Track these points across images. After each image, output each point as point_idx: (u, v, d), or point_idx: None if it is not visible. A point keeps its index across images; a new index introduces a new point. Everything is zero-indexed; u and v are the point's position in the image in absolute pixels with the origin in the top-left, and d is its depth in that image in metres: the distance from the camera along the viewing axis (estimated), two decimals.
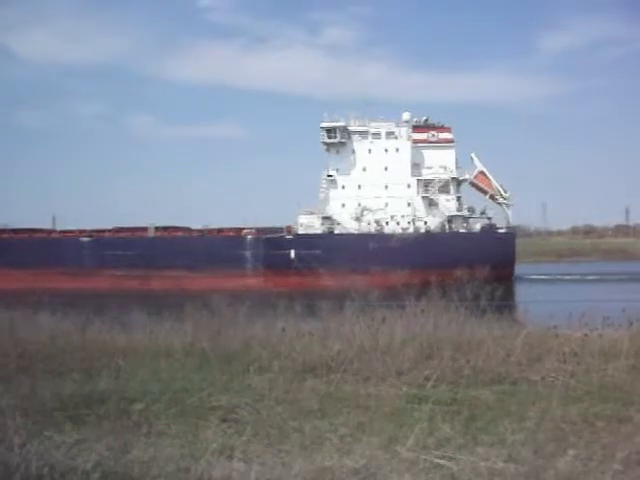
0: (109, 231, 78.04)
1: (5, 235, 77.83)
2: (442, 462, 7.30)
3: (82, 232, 77.49)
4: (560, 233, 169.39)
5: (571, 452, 7.40)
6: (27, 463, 6.94)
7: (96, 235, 77.05)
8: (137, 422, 9.07)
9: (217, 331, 15.02)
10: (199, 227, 79.72)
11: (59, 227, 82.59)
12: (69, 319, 17.56)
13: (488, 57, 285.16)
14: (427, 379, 11.15)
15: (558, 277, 73.22)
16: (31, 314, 18.76)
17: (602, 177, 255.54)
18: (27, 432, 7.84)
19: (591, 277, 71.74)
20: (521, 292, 49.29)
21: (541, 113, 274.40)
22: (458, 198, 75.77)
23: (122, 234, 76.52)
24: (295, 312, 16.87)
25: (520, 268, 72.93)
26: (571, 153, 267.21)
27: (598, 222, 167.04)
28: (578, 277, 72.98)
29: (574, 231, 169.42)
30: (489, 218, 75.47)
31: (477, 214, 76.55)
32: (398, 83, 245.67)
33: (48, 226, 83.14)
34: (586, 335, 13.35)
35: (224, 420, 9.19)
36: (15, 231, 78.69)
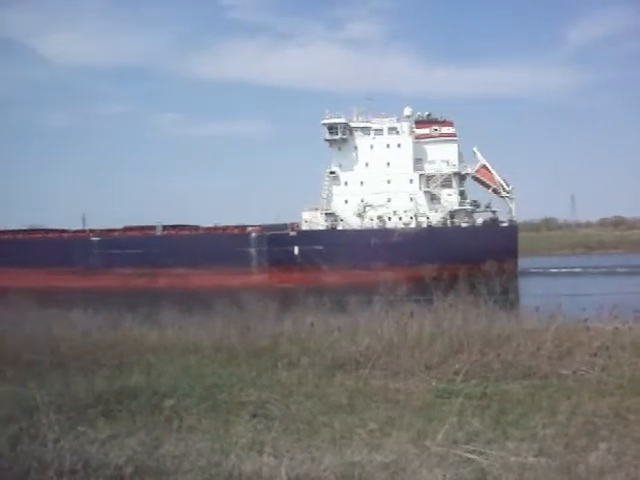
0: (119, 230, 79.73)
1: (20, 236, 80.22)
2: (472, 457, 7.28)
3: (92, 232, 79.59)
4: (589, 225, 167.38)
5: (603, 446, 7.35)
6: (61, 458, 7.06)
7: (105, 235, 78.67)
8: (168, 417, 9.17)
9: (246, 327, 15.10)
10: (208, 225, 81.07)
11: (89, 226, 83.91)
12: (101, 317, 17.80)
13: (512, 50, 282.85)
14: (456, 373, 11.11)
15: (577, 270, 72.28)
16: (64, 312, 19.06)
17: (632, 168, 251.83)
18: (61, 428, 7.97)
19: (622, 270, 70.65)
20: (529, 286, 48.34)
21: (569, 105, 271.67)
22: (461, 192, 75.84)
23: (131, 233, 78.11)
24: (323, 307, 16.88)
25: (543, 261, 72.30)
26: (599, 144, 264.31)
27: (628, 214, 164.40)
28: (605, 270, 71.91)
29: (603, 223, 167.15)
30: (494, 212, 75.46)
31: (482, 208, 76.71)
32: (421, 77, 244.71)
33: (79, 226, 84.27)
34: (617, 328, 13.19)
35: (254, 415, 9.25)
36: (29, 231, 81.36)
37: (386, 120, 76.91)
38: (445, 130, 76.30)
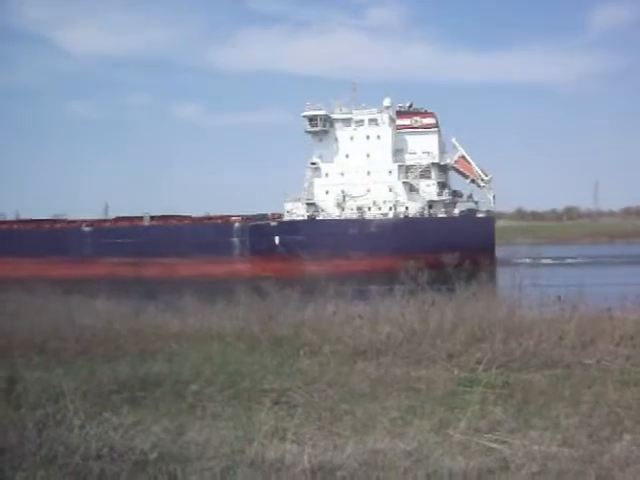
0: (110, 221, 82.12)
1: (15, 226, 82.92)
2: (495, 446, 7.27)
3: (85, 222, 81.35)
4: (612, 214, 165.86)
5: (627, 437, 7.32)
6: (87, 443, 7.16)
7: (97, 225, 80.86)
8: (191, 404, 9.26)
9: (269, 315, 15.15)
10: (195, 215, 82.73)
11: (111, 215, 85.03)
12: (124, 304, 17.96)
13: (535, 35, 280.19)
14: (478, 362, 11.08)
15: (587, 260, 70.87)
16: (85, 300, 19.26)
17: None
18: (86, 414, 8.08)
19: None
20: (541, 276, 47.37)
21: (593, 90, 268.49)
22: (440, 183, 76.54)
23: (121, 223, 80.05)
24: (344, 296, 16.89)
25: (561, 250, 71.49)
26: (624, 131, 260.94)
27: None
28: (626, 259, 70.65)
29: (627, 212, 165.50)
30: (476, 202, 76.31)
31: (464, 198, 77.70)
32: (443, 63, 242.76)
33: (101, 215, 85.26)
34: None
35: (276, 403, 9.30)
36: (24, 222, 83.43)
37: (367, 111, 77.86)
38: (426, 121, 77.26)
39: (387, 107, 78.05)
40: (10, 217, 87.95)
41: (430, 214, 74.22)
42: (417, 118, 77.16)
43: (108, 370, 11.20)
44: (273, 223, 75.49)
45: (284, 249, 71.31)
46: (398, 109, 78.93)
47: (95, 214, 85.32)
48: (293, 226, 74.03)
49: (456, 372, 10.93)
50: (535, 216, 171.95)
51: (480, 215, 74.03)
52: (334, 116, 77.65)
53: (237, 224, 76.15)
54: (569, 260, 68.62)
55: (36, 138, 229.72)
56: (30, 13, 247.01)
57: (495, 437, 7.53)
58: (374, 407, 9.08)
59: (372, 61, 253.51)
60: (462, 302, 14.74)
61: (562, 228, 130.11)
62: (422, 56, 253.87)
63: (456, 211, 75.31)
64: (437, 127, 77.70)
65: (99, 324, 15.47)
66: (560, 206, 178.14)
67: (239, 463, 6.84)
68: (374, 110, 77.73)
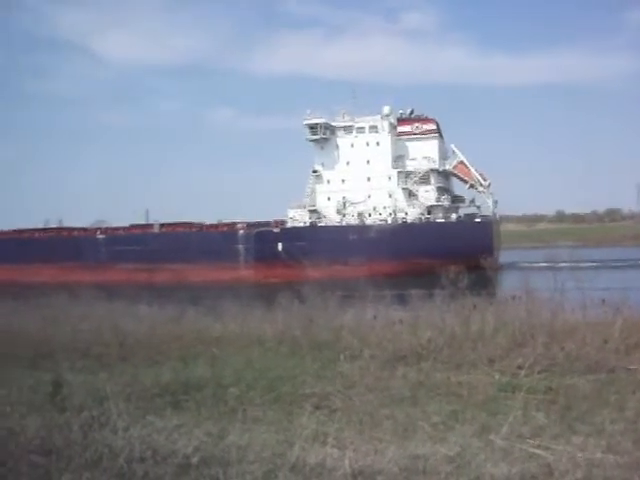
0: (123, 229, 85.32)
1: (36, 234, 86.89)
2: (538, 452, 7.17)
3: (100, 230, 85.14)
4: None
5: None
6: (131, 446, 7.26)
7: (111, 232, 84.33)
8: (233, 408, 9.33)
9: (309, 319, 15.21)
10: (203, 223, 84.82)
11: (151, 221, 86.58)
12: (166, 310, 18.20)
13: (571, 36, 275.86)
14: (520, 367, 10.96)
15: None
16: (127, 306, 19.57)
17: None
18: (130, 417, 8.20)
19: None
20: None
21: (632, 90, 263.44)
22: (439, 188, 77.47)
23: (133, 231, 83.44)
24: (384, 300, 16.88)
25: (602, 253, 70.16)
26: None
27: None
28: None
29: None
30: (478, 207, 77.45)
31: (466, 203, 79.17)
32: (479, 66, 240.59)
33: (142, 221, 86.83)
34: None
35: (317, 407, 9.32)
36: (44, 230, 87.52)
37: (368, 119, 79.10)
38: (427, 127, 78.68)
39: (387, 115, 79.42)
40: (53, 224, 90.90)
41: (428, 219, 75.09)
42: (418, 124, 78.88)
43: (151, 374, 11.36)
44: (276, 230, 77.37)
45: (287, 255, 72.82)
46: (399, 116, 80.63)
47: (137, 220, 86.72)
48: (295, 233, 76.03)
49: (497, 377, 10.83)
50: (576, 218, 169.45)
51: (477, 220, 74.78)
52: (335, 124, 79.69)
53: (242, 231, 78.49)
54: (611, 263, 67.25)
55: (74, 147, 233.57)
56: (66, 21, 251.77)
57: (538, 443, 7.43)
58: (415, 412, 9.05)
59: (406, 65, 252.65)
60: (501, 306, 14.62)
61: (604, 230, 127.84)
62: (457, 59, 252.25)
63: (453, 216, 75.94)
64: (438, 133, 79.23)
65: (142, 329, 15.69)
66: (601, 208, 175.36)
67: (280, 467, 6.86)
68: (375, 117, 79.19)
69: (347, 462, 6.80)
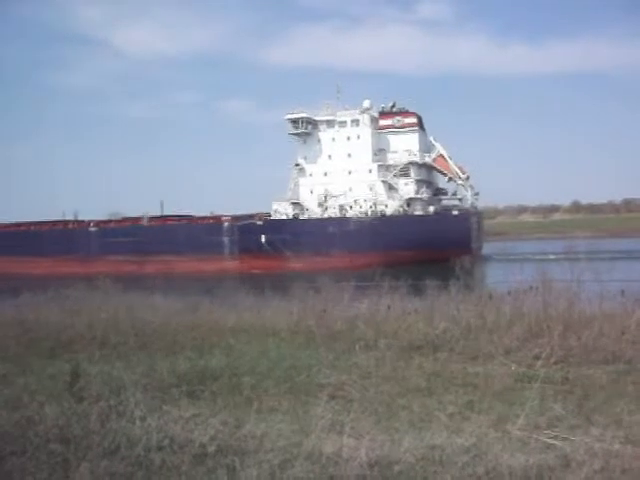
0: (115, 221, 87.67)
1: (32, 227, 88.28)
2: (555, 442, 7.15)
3: (92, 222, 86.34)
4: None
5: None
6: (148, 435, 7.30)
7: (103, 225, 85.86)
8: (249, 398, 9.36)
9: (323, 310, 15.21)
10: (190, 215, 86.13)
11: (166, 212, 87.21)
12: (182, 300, 18.26)
13: (594, 23, 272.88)
14: (536, 358, 10.92)
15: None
16: (143, 296, 19.65)
17: None
18: (147, 406, 8.24)
19: None
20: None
21: None
22: (418, 181, 77.97)
23: (124, 224, 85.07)
24: (398, 291, 16.83)
25: (617, 244, 69.42)
26: None
27: None
28: None
29: None
30: (460, 199, 78.05)
31: (448, 195, 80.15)
32: (496, 55, 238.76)
33: (157, 211, 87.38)
34: None
35: (333, 397, 9.32)
36: (39, 223, 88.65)
37: (349, 113, 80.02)
38: (408, 120, 79.44)
39: (367, 109, 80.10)
40: (69, 217, 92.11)
41: (406, 212, 75.57)
42: (399, 118, 79.65)
43: (167, 364, 11.41)
44: (259, 222, 78.18)
45: (270, 247, 74.26)
46: (381, 109, 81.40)
47: (152, 211, 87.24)
48: (277, 225, 77.01)
49: (514, 368, 10.79)
50: (592, 208, 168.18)
51: (455, 212, 75.20)
52: (317, 118, 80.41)
53: (227, 223, 79.23)
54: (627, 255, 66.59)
55: (93, 138, 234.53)
56: (85, 15, 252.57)
57: (555, 433, 7.40)
58: (431, 402, 9.04)
59: (425, 55, 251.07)
60: (519, 297, 14.53)
61: (620, 221, 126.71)
62: (474, 49, 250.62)
63: (431, 209, 76.24)
64: (419, 126, 79.82)
65: (157, 319, 15.76)
66: (618, 198, 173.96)
67: (296, 456, 6.87)
68: (356, 111, 79.91)
69: (363, 452, 6.80)
